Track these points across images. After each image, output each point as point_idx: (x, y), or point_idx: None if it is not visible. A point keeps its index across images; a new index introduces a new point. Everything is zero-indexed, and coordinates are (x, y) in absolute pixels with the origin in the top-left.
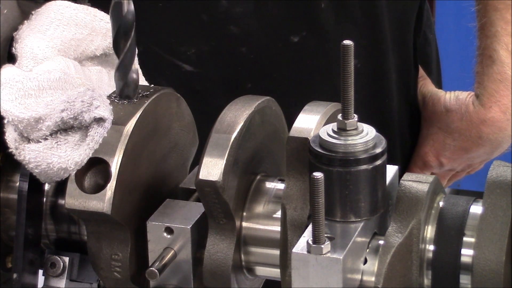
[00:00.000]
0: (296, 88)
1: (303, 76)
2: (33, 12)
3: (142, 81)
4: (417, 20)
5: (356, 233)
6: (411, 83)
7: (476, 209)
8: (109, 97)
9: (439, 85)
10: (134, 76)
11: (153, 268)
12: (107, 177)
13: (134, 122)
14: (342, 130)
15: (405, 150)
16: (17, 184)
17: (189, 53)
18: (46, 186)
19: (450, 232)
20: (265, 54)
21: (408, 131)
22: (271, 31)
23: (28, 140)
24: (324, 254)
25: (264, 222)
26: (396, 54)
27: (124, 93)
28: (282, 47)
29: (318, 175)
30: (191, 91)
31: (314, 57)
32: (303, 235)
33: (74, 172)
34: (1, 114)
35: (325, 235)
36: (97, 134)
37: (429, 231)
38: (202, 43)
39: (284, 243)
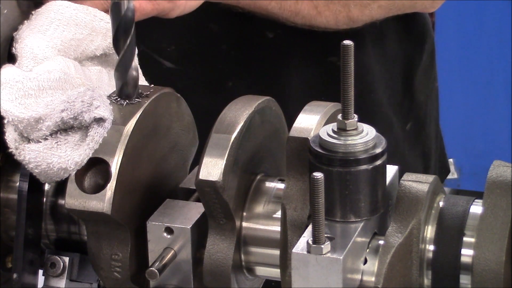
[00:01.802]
0: (278, 86)
1: (283, 72)
2: (33, 12)
3: (142, 81)
4: None
5: (356, 233)
6: (396, 74)
7: (476, 209)
8: (109, 97)
9: (431, 56)
10: (134, 73)
11: (153, 268)
12: (107, 177)
13: (134, 122)
14: (342, 130)
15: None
16: (17, 184)
17: (169, 50)
18: (46, 186)
19: (450, 232)
20: (246, 51)
21: (400, 125)
22: (251, 27)
23: (28, 140)
24: (324, 254)
25: (264, 222)
26: (377, 47)
27: (124, 92)
28: (262, 44)
29: (318, 175)
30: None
31: (292, 52)
32: (303, 235)
33: (74, 172)
34: (1, 114)
35: (325, 235)
36: (97, 134)
37: (429, 231)
38: (182, 40)
39: (284, 243)
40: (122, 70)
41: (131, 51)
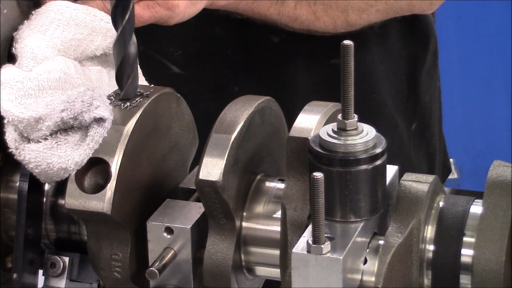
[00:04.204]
0: (283, 90)
1: (288, 76)
2: (33, 12)
3: (142, 81)
4: None
5: (356, 233)
6: (401, 74)
7: (476, 209)
8: (109, 97)
9: (435, 56)
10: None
11: (153, 268)
12: (107, 177)
13: (134, 122)
14: (342, 130)
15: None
16: (17, 184)
17: (176, 54)
18: (46, 186)
19: (450, 232)
20: (251, 55)
21: (405, 126)
22: (256, 32)
23: (28, 140)
24: (324, 254)
25: (264, 222)
26: (381, 47)
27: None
28: (267, 48)
29: (318, 175)
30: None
31: (297, 56)
32: (303, 235)
33: (74, 172)
34: (1, 114)
35: (325, 235)
36: (97, 134)
37: (429, 231)
38: (188, 45)
39: (284, 243)
40: (120, 46)
41: (130, 27)
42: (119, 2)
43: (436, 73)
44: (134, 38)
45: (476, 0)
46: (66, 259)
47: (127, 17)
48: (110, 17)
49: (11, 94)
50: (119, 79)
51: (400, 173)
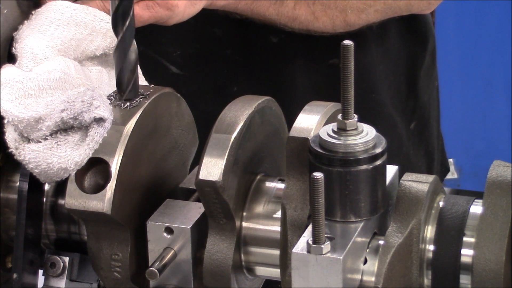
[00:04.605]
0: (282, 90)
1: (287, 76)
2: (33, 12)
3: (142, 81)
4: None
5: (356, 233)
6: (400, 73)
7: (476, 209)
8: (109, 97)
9: (433, 56)
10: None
11: (153, 268)
12: (107, 177)
13: (134, 122)
14: (342, 130)
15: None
16: (17, 184)
17: (175, 55)
18: (46, 186)
19: (450, 232)
20: (250, 56)
21: (404, 125)
22: (255, 32)
23: (28, 140)
24: (324, 254)
25: (264, 222)
26: (380, 47)
27: (122, 81)
28: (266, 48)
29: (318, 175)
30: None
31: (296, 56)
32: (303, 235)
33: (74, 172)
34: (1, 114)
35: (325, 235)
36: (97, 134)
37: (429, 231)
38: (187, 45)
39: (284, 243)
40: (121, 53)
41: (130, 33)
42: (119, 8)
43: (435, 72)
44: (134, 44)
45: (476, 0)
46: (66, 259)
47: (127, 23)
48: (110, 17)
49: (11, 94)
50: (120, 85)
51: (400, 173)
